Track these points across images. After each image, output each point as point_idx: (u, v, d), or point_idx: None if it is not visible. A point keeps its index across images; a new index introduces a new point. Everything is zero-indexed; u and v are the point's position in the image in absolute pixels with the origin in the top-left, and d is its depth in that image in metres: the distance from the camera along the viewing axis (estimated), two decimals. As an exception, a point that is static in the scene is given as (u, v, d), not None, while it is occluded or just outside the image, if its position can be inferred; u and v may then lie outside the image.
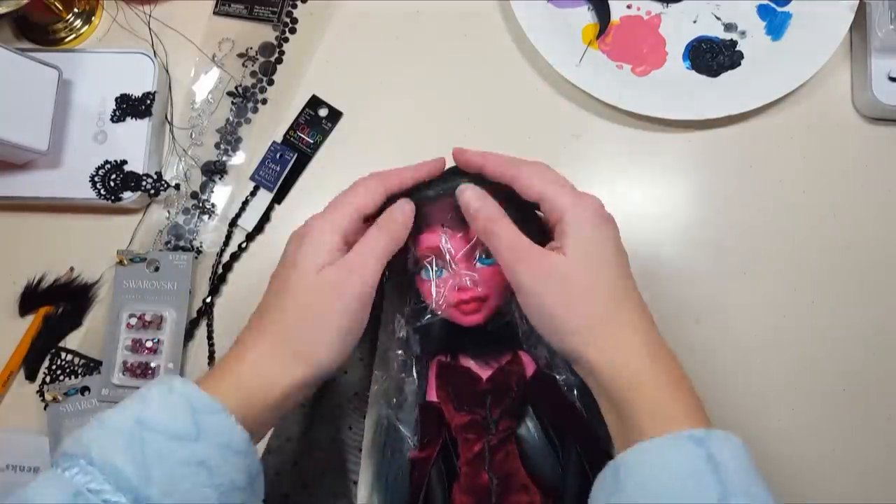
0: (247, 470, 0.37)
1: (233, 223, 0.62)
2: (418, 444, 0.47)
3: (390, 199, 0.45)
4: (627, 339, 0.39)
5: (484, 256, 0.46)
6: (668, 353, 0.40)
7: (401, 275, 0.47)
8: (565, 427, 0.46)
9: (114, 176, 0.60)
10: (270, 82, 0.65)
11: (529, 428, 0.46)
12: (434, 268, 0.46)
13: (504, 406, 0.46)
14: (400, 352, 0.49)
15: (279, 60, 0.65)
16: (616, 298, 0.40)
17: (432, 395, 0.48)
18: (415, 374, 0.48)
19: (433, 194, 0.46)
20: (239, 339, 0.42)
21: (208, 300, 0.60)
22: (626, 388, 0.38)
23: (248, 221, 0.62)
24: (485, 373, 0.47)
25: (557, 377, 0.47)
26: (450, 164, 0.47)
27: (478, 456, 0.45)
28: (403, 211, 0.44)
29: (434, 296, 0.46)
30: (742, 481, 0.34)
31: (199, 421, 0.35)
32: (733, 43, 0.64)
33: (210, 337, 0.60)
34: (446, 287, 0.46)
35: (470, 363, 0.48)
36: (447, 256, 0.45)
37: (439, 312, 0.46)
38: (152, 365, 0.58)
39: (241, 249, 0.62)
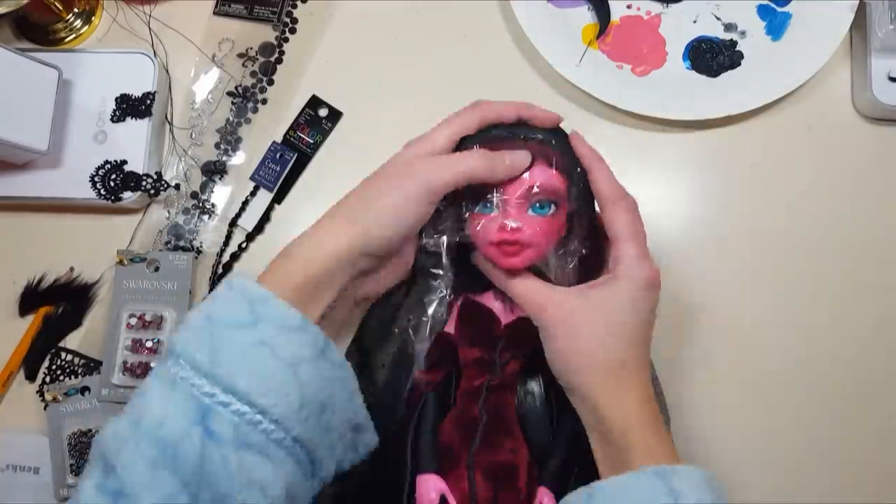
0: (311, 343, 0.40)
1: (233, 223, 0.62)
2: (425, 366, 0.48)
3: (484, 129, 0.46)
4: (624, 391, 0.43)
5: (538, 206, 0.45)
6: (655, 408, 0.44)
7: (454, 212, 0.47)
8: (568, 401, 0.46)
9: (114, 176, 0.61)
10: (270, 82, 0.65)
11: (534, 393, 0.47)
12: (487, 204, 0.45)
13: (515, 354, 0.46)
14: (440, 284, 0.48)
15: (279, 60, 0.65)
16: (622, 360, 0.43)
17: (451, 328, 0.48)
18: (443, 306, 0.49)
19: (507, 134, 0.46)
20: None
21: (208, 300, 0.61)
22: (621, 431, 0.41)
23: (248, 221, 0.62)
24: (507, 317, 0.48)
25: None
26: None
27: (475, 390, 0.46)
28: (513, 158, 0.45)
29: (472, 226, 0.46)
30: None
31: (254, 309, 0.40)
32: (733, 43, 0.64)
33: (210, 337, 0.60)
34: (486, 221, 0.45)
35: (496, 304, 0.48)
36: (499, 196, 0.45)
37: (474, 239, 0.46)
38: (152, 365, 0.57)
39: (241, 249, 0.62)
